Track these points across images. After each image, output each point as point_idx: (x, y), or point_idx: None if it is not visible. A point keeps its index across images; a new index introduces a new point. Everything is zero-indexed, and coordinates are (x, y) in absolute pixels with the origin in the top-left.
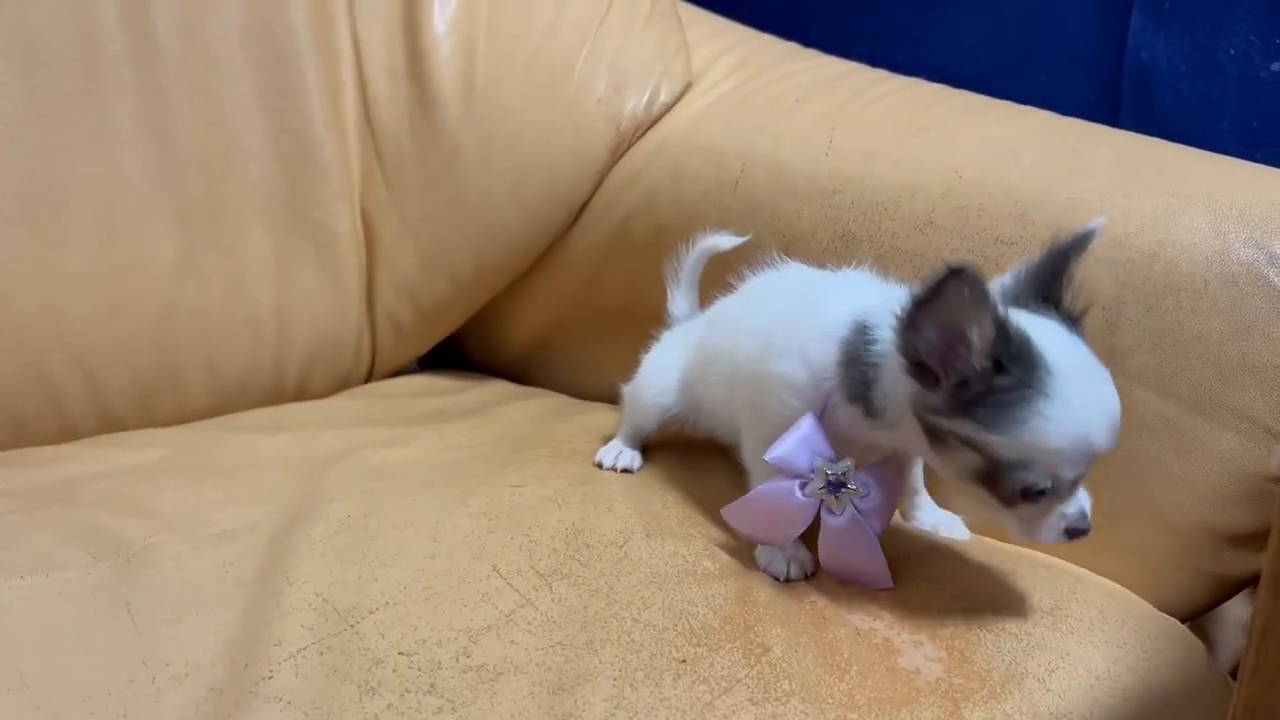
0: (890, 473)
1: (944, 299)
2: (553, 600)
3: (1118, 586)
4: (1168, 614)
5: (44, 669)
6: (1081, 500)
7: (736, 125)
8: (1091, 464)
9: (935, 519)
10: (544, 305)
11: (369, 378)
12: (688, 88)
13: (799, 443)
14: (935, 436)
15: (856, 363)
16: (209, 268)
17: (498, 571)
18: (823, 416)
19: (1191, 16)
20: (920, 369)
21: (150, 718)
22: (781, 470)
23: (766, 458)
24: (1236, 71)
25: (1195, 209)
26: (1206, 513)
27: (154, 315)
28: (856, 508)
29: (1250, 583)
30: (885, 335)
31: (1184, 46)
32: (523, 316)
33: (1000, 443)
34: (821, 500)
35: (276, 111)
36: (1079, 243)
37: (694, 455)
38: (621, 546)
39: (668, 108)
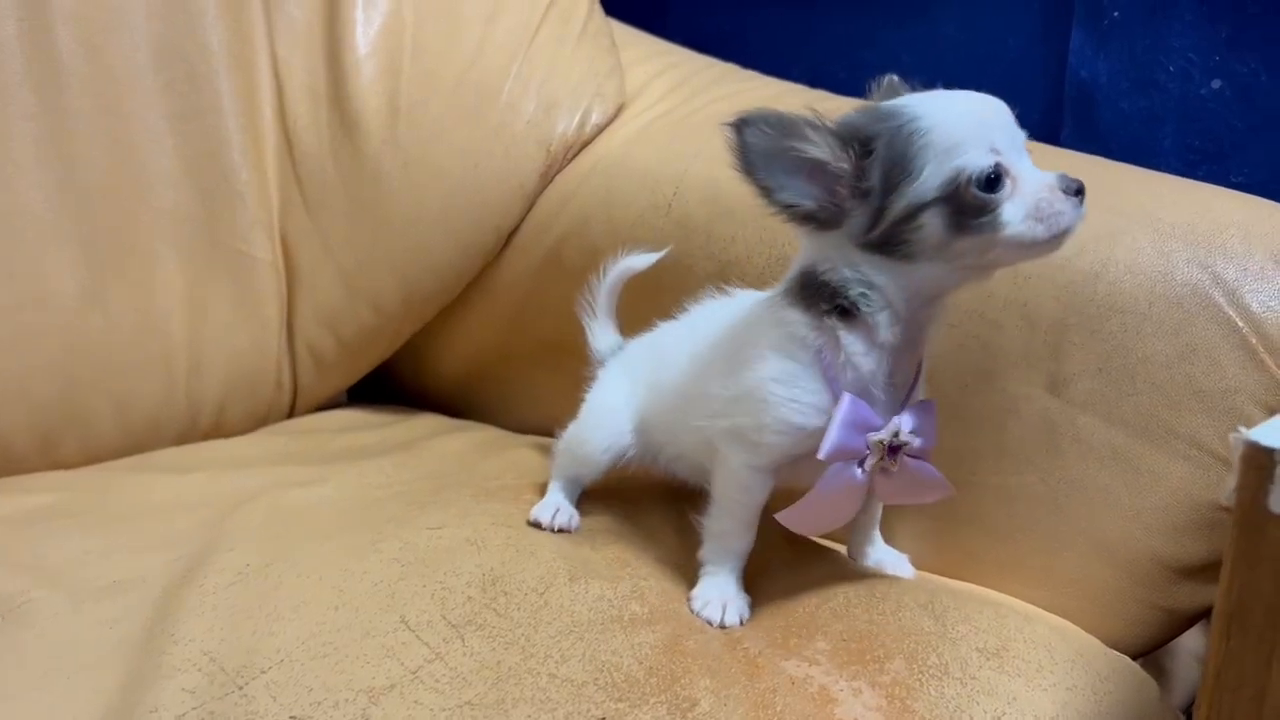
0: (927, 406)
1: (755, 151)
2: (464, 654)
3: (1066, 623)
4: (1119, 651)
5: None
6: (1048, 174)
7: (671, 147)
8: (1015, 139)
9: (881, 556)
10: (475, 334)
11: (291, 413)
12: (621, 109)
13: (845, 426)
14: (894, 246)
15: (824, 291)
16: (117, 300)
17: (406, 623)
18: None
19: (1130, 34)
20: (816, 219)
21: None
22: (839, 459)
23: (821, 455)
24: (1176, 89)
25: (1138, 228)
26: (1157, 544)
27: (56, 351)
28: (912, 455)
29: (1204, 616)
30: (820, 254)
31: (1124, 64)
32: (453, 346)
33: (926, 182)
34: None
35: (190, 135)
36: None
37: (626, 491)
38: (542, 594)
39: (600, 130)
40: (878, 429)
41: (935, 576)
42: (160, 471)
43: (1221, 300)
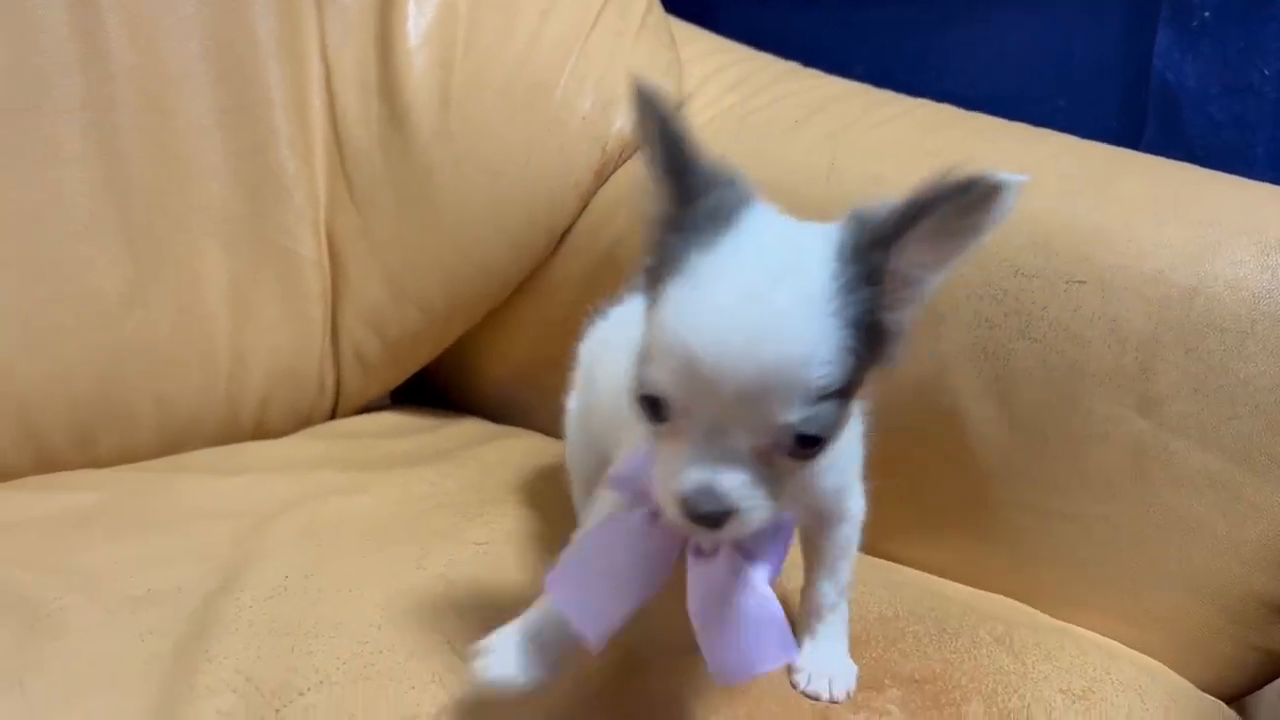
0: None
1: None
2: None
3: (1154, 663)
4: (1211, 694)
5: None
6: (710, 470)
7: (731, 147)
8: (717, 407)
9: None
10: (524, 338)
11: (333, 414)
12: (680, 106)
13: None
14: None
15: None
16: (159, 297)
17: (453, 647)
18: None
19: (1222, 34)
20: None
21: None
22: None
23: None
24: (1272, 93)
25: (1238, 241)
26: (1256, 580)
27: (96, 348)
28: (743, 551)
29: None
30: None
31: (1214, 66)
32: (501, 350)
33: (648, 320)
34: (687, 537)
35: (237, 129)
36: (954, 193)
37: None
38: None
39: None
40: None
41: (1011, 603)
42: (199, 473)
43: None
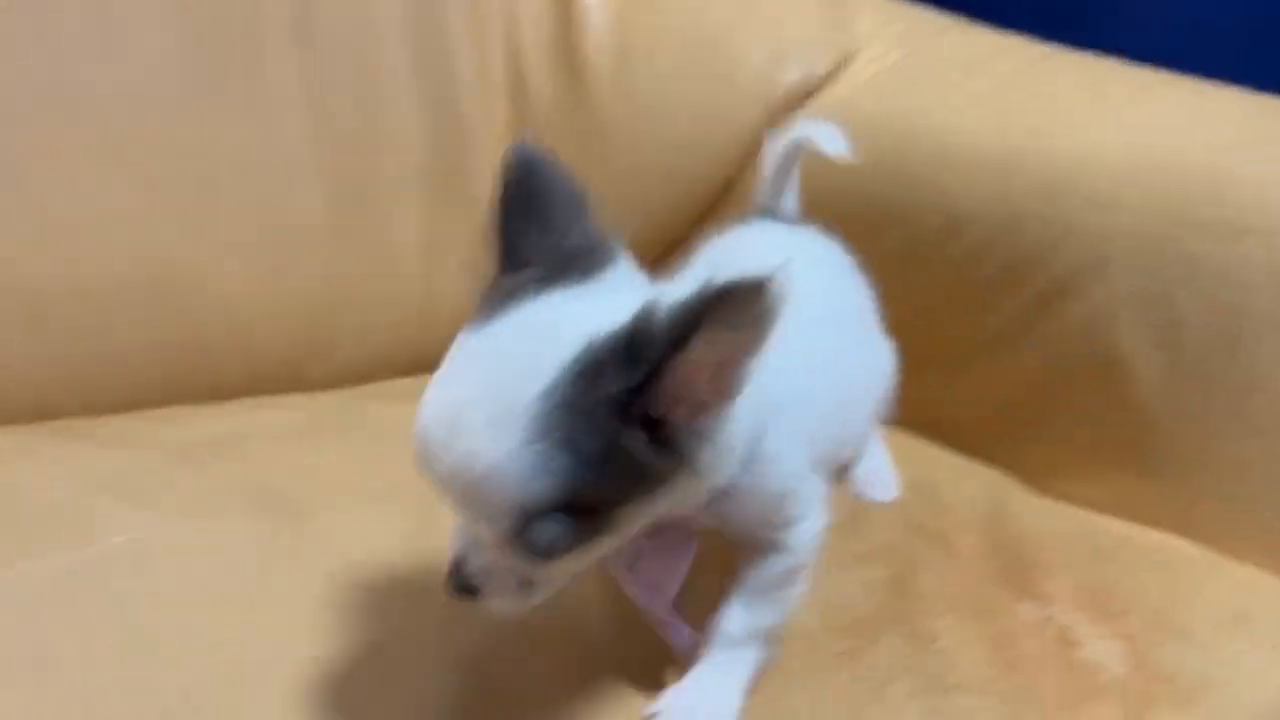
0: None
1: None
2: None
3: None
4: None
5: (205, 618)
6: (464, 546)
7: (898, 99)
8: (447, 491)
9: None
10: None
11: None
12: (847, 60)
13: None
14: None
15: None
16: (360, 237)
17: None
18: None
19: None
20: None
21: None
22: None
23: None
24: None
25: None
26: None
27: (308, 282)
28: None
29: None
30: None
31: None
32: None
33: None
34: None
35: (428, 82)
36: None
37: None
38: None
39: (824, 80)
40: None
41: (1167, 537)
42: (394, 399)
43: None
